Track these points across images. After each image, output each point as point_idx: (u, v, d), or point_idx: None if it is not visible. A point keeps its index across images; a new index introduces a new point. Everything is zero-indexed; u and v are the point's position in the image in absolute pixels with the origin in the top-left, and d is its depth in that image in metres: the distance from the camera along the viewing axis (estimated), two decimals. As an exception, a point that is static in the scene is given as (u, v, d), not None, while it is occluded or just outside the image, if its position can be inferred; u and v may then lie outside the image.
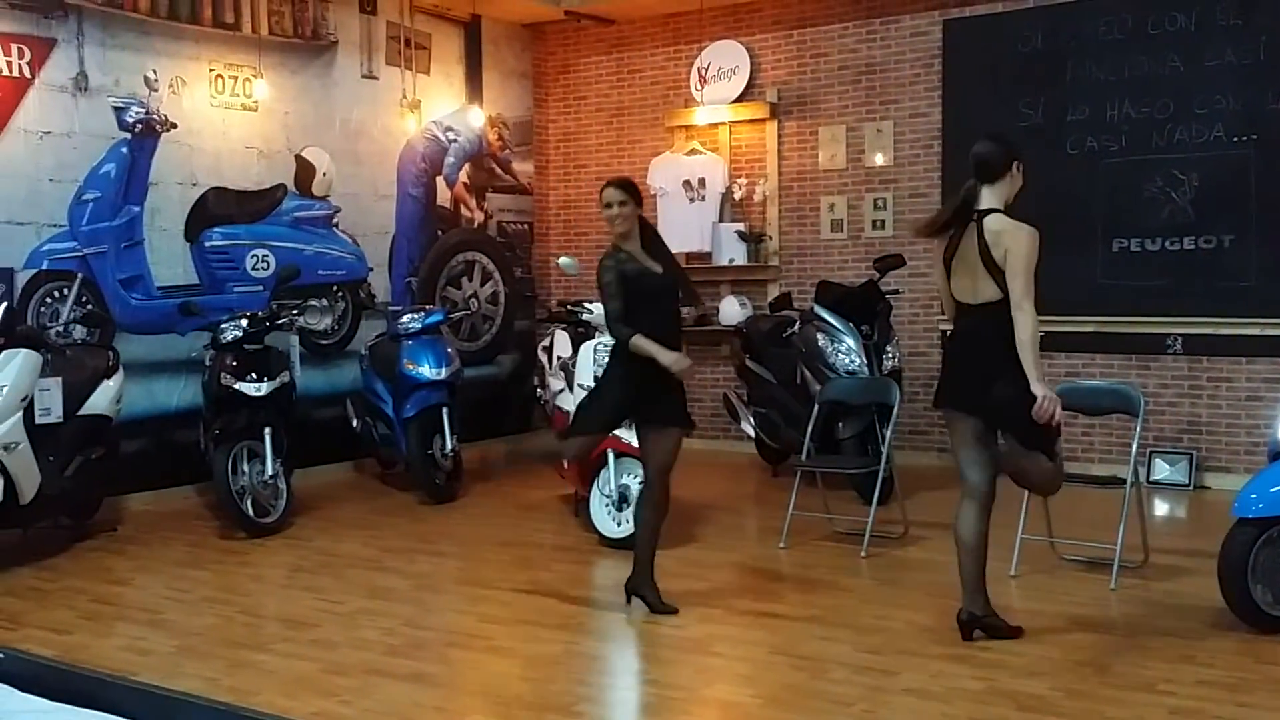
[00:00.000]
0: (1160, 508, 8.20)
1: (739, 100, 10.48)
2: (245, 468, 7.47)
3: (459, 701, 4.78)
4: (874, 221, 9.91)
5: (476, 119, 10.73)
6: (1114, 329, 8.76)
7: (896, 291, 9.01)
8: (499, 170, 11.09)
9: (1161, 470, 8.63)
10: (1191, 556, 6.57)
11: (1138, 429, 6.30)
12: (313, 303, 9.12)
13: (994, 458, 5.19)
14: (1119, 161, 8.83)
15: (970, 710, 4.49)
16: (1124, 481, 6.19)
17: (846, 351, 8.19)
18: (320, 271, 9.42)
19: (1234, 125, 8.48)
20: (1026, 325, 4.87)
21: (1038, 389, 4.86)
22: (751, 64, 10.42)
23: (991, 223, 4.97)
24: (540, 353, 9.35)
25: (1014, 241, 4.89)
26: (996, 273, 4.93)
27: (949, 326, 5.43)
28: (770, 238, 10.40)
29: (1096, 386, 6.14)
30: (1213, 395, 8.56)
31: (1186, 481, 8.53)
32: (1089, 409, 6.67)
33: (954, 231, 5.11)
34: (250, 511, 7.45)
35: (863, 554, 6.79)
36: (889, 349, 8.41)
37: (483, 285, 10.94)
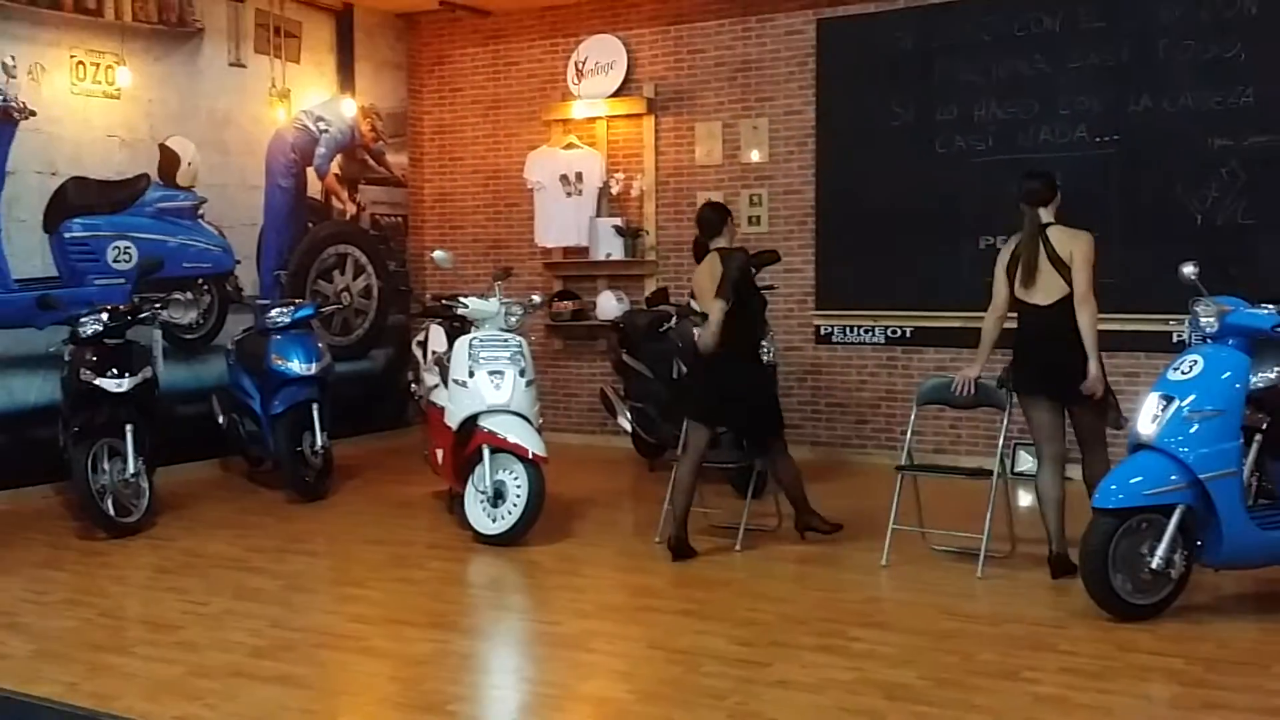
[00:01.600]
0: (1025, 499, 8.39)
1: (616, 95, 10.47)
2: (106, 466, 7.25)
3: (328, 703, 4.69)
4: (750, 217, 9.97)
5: (349, 109, 10.56)
6: (980, 324, 8.89)
7: (771, 287, 9.04)
8: (372, 162, 10.93)
9: (1025, 462, 8.73)
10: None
11: (1005, 422, 6.45)
12: (177, 296, 8.89)
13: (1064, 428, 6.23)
14: (987, 160, 9.02)
15: (840, 700, 4.53)
16: (990, 473, 6.33)
17: (722, 346, 8.21)
18: (185, 264, 9.19)
19: (1096, 126, 8.72)
20: (1091, 315, 6.03)
21: (1094, 368, 6.05)
22: (628, 59, 10.42)
23: (1054, 233, 6.14)
24: (415, 347, 9.22)
25: (1077, 243, 6.07)
26: (1064, 270, 6.05)
27: (983, 324, 6.49)
28: (647, 233, 10.41)
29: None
30: (1075, 389, 8.77)
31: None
32: (957, 404, 6.81)
33: (1018, 247, 6.23)
34: (111, 511, 7.25)
35: (737, 547, 6.83)
36: (764, 344, 8.45)
37: (355, 279, 10.77)
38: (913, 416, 6.80)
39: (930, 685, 4.67)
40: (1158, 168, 8.52)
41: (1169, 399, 5.44)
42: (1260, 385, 5.77)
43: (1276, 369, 6.01)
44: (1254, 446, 5.68)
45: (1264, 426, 5.69)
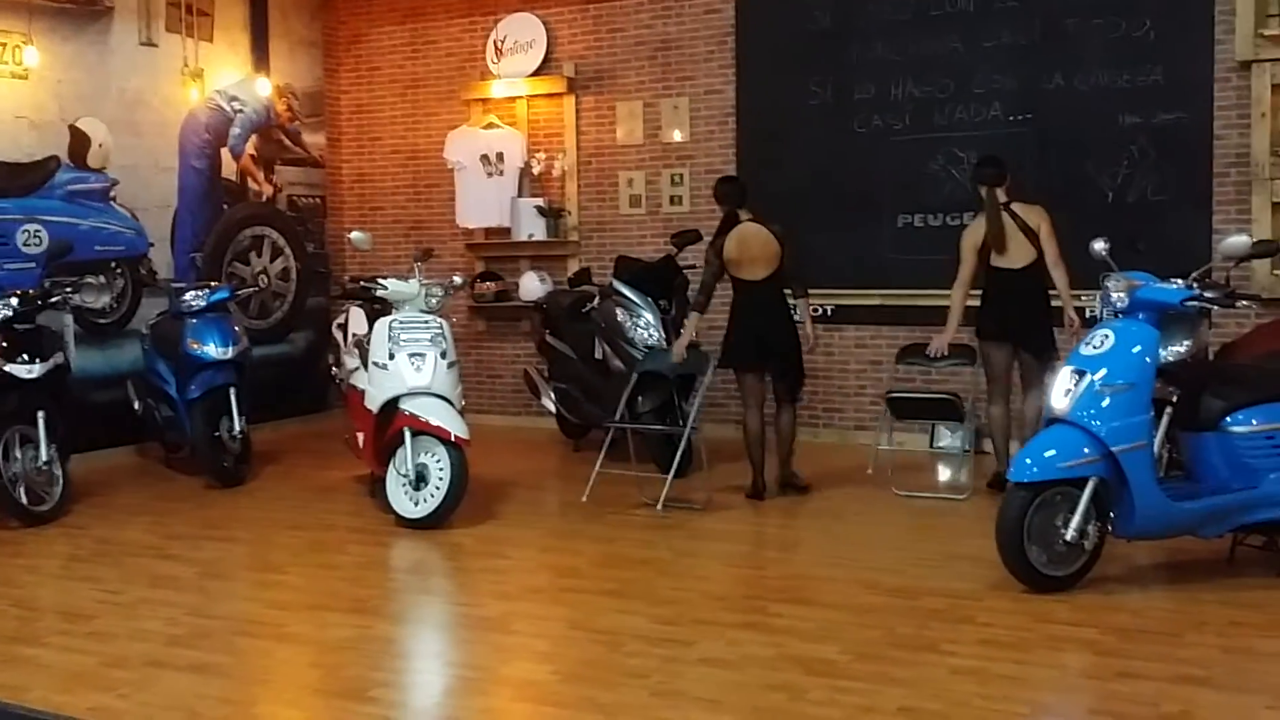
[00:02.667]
0: (943, 473, 8.51)
1: (536, 74, 10.40)
2: (18, 454, 7.09)
3: (246, 691, 4.63)
4: (671, 197, 9.98)
5: (263, 89, 10.38)
6: (899, 301, 9.03)
7: (694, 266, 9.09)
8: (288, 142, 10.77)
9: (943, 437, 8.91)
10: (970, 519, 6.85)
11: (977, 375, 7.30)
12: (89, 280, 8.69)
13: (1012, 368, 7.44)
14: (903, 139, 9.10)
15: (762, 677, 4.57)
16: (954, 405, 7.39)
17: (645, 326, 8.24)
18: (97, 247, 8.99)
19: (1010, 105, 8.82)
20: (1066, 273, 7.09)
21: (1073, 313, 7.11)
22: (548, 37, 10.35)
23: (1017, 208, 7.21)
24: (335, 330, 9.14)
25: (1041, 217, 7.16)
26: (1033, 239, 7.11)
27: (951, 295, 7.41)
28: (569, 213, 10.37)
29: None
30: (992, 365, 8.90)
31: (966, 447, 8.82)
32: (933, 364, 7.72)
33: (987, 224, 7.20)
34: (24, 499, 7.10)
35: (658, 507, 6.83)
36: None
37: (272, 261, 10.62)
38: (893, 370, 8.25)
39: (851, 659, 4.72)
40: (1070, 145, 8.64)
41: (1081, 373, 5.52)
42: (1170, 359, 5.88)
43: (1186, 342, 6.13)
44: (1164, 419, 5.78)
45: (1174, 399, 5.80)
